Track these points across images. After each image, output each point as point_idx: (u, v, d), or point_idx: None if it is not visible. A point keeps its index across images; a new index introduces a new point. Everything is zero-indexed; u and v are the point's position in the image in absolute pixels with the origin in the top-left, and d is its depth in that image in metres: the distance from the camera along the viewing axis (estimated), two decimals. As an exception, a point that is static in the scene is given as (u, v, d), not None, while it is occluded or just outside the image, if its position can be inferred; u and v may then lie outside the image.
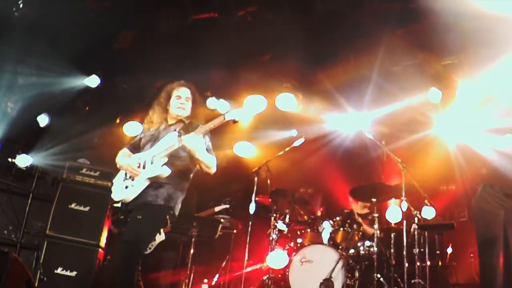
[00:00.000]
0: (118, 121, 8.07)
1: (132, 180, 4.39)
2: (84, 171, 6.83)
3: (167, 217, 4.33)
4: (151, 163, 4.35)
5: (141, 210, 4.23)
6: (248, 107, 4.32)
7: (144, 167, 4.38)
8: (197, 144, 4.24)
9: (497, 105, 6.84)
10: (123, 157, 4.66)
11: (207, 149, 4.42)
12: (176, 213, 4.44)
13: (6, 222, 6.71)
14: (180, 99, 4.71)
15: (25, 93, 6.81)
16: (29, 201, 6.83)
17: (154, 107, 4.83)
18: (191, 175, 4.60)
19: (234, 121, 4.30)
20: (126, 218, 4.35)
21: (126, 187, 4.39)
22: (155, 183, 4.33)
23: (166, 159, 4.33)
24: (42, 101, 6.90)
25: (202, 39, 6.70)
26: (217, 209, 7.03)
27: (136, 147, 4.76)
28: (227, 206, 7.14)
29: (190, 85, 4.82)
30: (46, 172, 7.09)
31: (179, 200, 4.46)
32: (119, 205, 4.44)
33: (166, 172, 4.27)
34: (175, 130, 4.53)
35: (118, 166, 4.66)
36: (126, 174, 4.49)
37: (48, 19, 6.14)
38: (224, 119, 4.29)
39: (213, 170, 4.43)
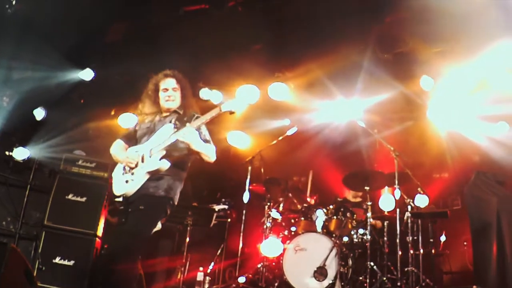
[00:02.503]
0: (112, 113, 8.14)
1: (132, 174, 4.42)
2: (80, 162, 6.91)
3: (167, 207, 4.39)
4: (150, 157, 4.38)
5: (142, 201, 4.28)
6: (243, 97, 4.32)
7: (142, 161, 4.40)
8: (193, 136, 4.27)
9: (489, 92, 6.84)
10: (119, 151, 4.68)
11: (204, 139, 4.46)
12: (176, 203, 4.49)
13: (5, 214, 6.81)
14: (167, 91, 4.69)
15: (20, 88, 6.89)
16: (27, 193, 6.94)
17: (144, 100, 4.83)
18: (189, 165, 4.65)
19: (231, 112, 4.34)
20: (126, 208, 4.38)
21: (127, 181, 4.42)
22: (154, 175, 4.37)
23: (164, 152, 4.36)
24: (38, 95, 6.97)
25: (193, 30, 6.74)
26: (216, 208, 7.11)
27: (130, 139, 4.76)
28: (226, 207, 7.23)
29: (174, 73, 4.77)
30: (43, 164, 7.18)
31: (178, 190, 4.51)
32: (120, 199, 4.46)
33: (165, 165, 4.32)
34: (170, 121, 4.55)
35: (114, 159, 4.67)
36: (124, 168, 4.52)
37: (41, 14, 6.20)
38: (220, 110, 4.32)
39: (212, 159, 4.48)
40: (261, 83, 7.56)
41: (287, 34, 6.85)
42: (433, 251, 6.84)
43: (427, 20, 6.12)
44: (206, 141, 4.50)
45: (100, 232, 6.61)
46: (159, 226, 6.28)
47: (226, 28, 6.72)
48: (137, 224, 4.21)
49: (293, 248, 6.37)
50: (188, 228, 6.52)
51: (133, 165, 4.41)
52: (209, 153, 4.45)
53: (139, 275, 4.23)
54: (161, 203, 4.36)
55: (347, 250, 6.43)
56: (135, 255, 4.16)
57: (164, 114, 4.71)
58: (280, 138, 7.32)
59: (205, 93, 7.50)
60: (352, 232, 6.63)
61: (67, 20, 6.32)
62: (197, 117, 4.49)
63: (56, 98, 7.22)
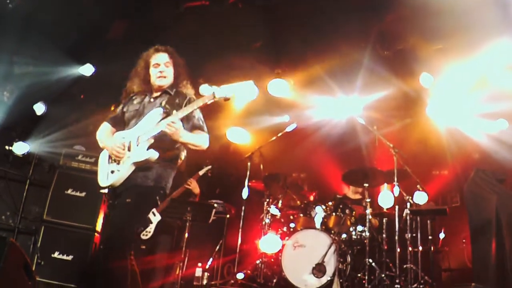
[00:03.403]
0: (112, 108, 8.11)
1: (118, 164, 4.06)
2: (80, 157, 6.96)
3: (157, 197, 4.10)
4: (137, 145, 4.03)
5: (130, 193, 3.98)
6: (239, 85, 4.02)
7: (129, 149, 4.05)
8: (176, 127, 3.92)
9: (489, 89, 6.84)
10: (106, 136, 4.33)
11: (195, 126, 4.18)
12: (168, 191, 4.21)
13: (4, 208, 6.87)
14: (159, 67, 4.30)
15: (21, 83, 6.92)
16: (26, 187, 7.00)
17: (133, 79, 4.44)
18: (182, 152, 4.36)
19: (226, 99, 3.98)
20: (113, 201, 4.11)
21: (112, 171, 4.06)
22: (142, 165, 4.03)
23: (152, 141, 4.03)
24: (38, 90, 7.00)
25: (194, 26, 6.74)
26: (201, 172, 7.04)
27: (118, 122, 4.40)
28: (209, 167, 7.12)
29: (167, 48, 4.40)
30: (43, 159, 7.24)
31: (170, 177, 4.20)
32: (106, 191, 4.12)
33: (153, 156, 3.99)
34: (161, 104, 4.18)
35: (101, 145, 4.30)
36: (110, 157, 4.15)
37: (42, 10, 6.22)
38: (215, 97, 3.94)
39: (204, 147, 4.19)
40: (261, 79, 7.57)
41: (287, 31, 6.85)
42: (432, 248, 6.81)
43: (427, 17, 6.14)
44: (197, 127, 4.20)
45: (99, 227, 6.65)
46: (158, 216, 6.35)
47: (226, 24, 6.74)
48: (123, 218, 3.96)
49: (291, 244, 6.36)
50: (187, 224, 6.51)
51: (120, 155, 4.05)
52: (199, 142, 4.15)
53: (132, 272, 3.96)
54: (150, 194, 4.06)
55: (346, 246, 6.41)
56: (124, 250, 3.88)
57: (155, 95, 4.34)
58: (280, 134, 7.31)
59: (205, 90, 7.50)
60: (351, 229, 6.62)
61: (68, 15, 6.34)
62: (189, 99, 4.20)
63: (57, 93, 7.25)
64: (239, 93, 4.00)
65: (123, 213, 3.99)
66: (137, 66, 4.43)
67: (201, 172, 6.99)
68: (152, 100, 4.32)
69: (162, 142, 4.07)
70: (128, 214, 3.97)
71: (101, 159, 4.26)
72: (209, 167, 7.05)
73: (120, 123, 4.38)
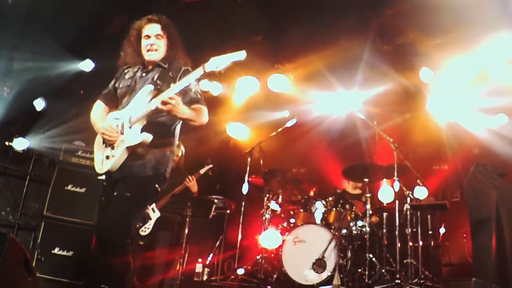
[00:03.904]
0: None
1: (112, 148, 3.79)
2: (80, 153, 6.95)
3: (158, 185, 3.88)
4: (129, 128, 3.76)
5: (129, 186, 3.76)
6: (229, 55, 3.58)
7: (122, 132, 3.77)
8: (174, 102, 3.58)
9: (489, 84, 6.84)
10: (100, 117, 4.05)
11: (193, 100, 3.88)
12: (167, 175, 3.95)
13: (4, 204, 6.87)
14: (150, 38, 3.98)
15: (20, 78, 6.91)
16: (26, 183, 6.99)
17: (126, 49, 4.13)
18: (178, 128, 4.04)
19: (218, 72, 3.64)
20: (111, 188, 3.84)
21: (107, 157, 3.82)
22: (136, 150, 3.77)
23: (144, 122, 3.76)
24: (38, 85, 6.99)
25: (193, 20, 6.72)
26: (202, 171, 7.04)
27: (111, 99, 4.12)
28: (210, 166, 7.11)
29: (160, 18, 4.06)
30: (43, 154, 7.23)
31: (169, 161, 3.95)
32: (103, 177, 3.92)
33: (147, 138, 3.71)
34: (152, 79, 3.92)
35: (94, 128, 4.05)
36: (104, 141, 3.89)
37: (42, 5, 6.21)
38: (204, 70, 3.61)
39: (203, 121, 3.87)
40: (261, 74, 7.58)
41: (287, 25, 6.84)
42: (432, 243, 6.77)
43: (427, 12, 6.14)
44: (195, 101, 3.91)
45: (99, 223, 6.63)
46: (157, 213, 6.34)
47: (226, 19, 6.72)
48: (123, 213, 3.73)
49: (292, 240, 6.37)
50: (187, 220, 6.51)
51: (113, 139, 3.77)
52: (198, 118, 3.84)
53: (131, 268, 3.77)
54: (149, 184, 3.84)
55: (346, 242, 6.42)
56: (125, 245, 3.69)
57: (148, 69, 4.04)
58: (280, 129, 7.30)
59: (204, 84, 7.51)
60: (351, 224, 6.62)
61: (67, 10, 6.33)
62: (183, 72, 3.89)
63: (56, 88, 7.25)
64: (229, 59, 3.65)
65: (122, 206, 3.75)
66: (129, 35, 4.12)
67: (202, 171, 6.99)
68: (144, 74, 4.04)
69: (156, 125, 3.83)
70: (127, 208, 3.76)
71: (96, 143, 4.02)
72: (210, 166, 7.04)
73: (113, 101, 4.11)
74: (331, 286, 5.86)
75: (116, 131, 3.79)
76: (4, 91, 6.94)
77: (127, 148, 3.75)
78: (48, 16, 6.32)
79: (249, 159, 7.17)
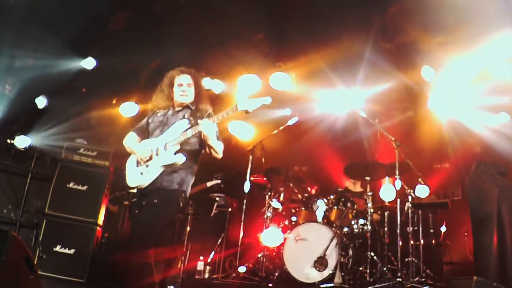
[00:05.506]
0: (114, 101, 8.16)
1: (147, 166, 4.60)
2: (81, 151, 6.95)
3: (180, 200, 4.54)
4: (165, 150, 4.56)
5: (157, 195, 4.44)
6: (260, 99, 4.46)
7: (157, 154, 4.58)
8: (211, 130, 4.48)
9: (490, 82, 6.83)
10: (134, 143, 4.82)
11: (216, 135, 4.64)
12: (187, 195, 4.66)
13: (6, 202, 6.82)
14: (182, 86, 4.83)
15: (22, 76, 6.92)
16: (28, 181, 6.94)
17: (157, 94, 4.96)
18: (199, 158, 4.79)
19: (247, 112, 4.43)
20: (140, 201, 4.53)
21: (142, 173, 4.60)
22: (169, 168, 4.53)
23: (178, 147, 4.53)
24: (40, 83, 7.00)
25: (195, 19, 6.72)
26: (209, 184, 7.09)
27: (143, 132, 4.91)
28: (219, 181, 7.19)
29: (190, 70, 4.93)
30: (45, 152, 7.20)
31: (190, 182, 4.67)
32: (134, 190, 4.66)
33: (181, 160, 4.49)
34: (184, 116, 4.72)
35: (128, 150, 4.82)
36: (138, 161, 4.70)
37: (43, 2, 6.21)
38: (237, 109, 4.42)
39: (220, 155, 4.69)
40: (263, 72, 7.58)
41: (289, 23, 6.84)
42: (433, 241, 6.84)
43: (429, 10, 6.14)
44: (217, 138, 4.67)
45: (100, 220, 6.64)
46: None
47: (227, 17, 6.72)
48: (152, 217, 4.37)
49: (293, 238, 6.38)
50: (189, 218, 6.51)
51: (146, 159, 4.59)
52: (220, 150, 4.67)
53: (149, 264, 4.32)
54: (174, 196, 4.51)
55: (348, 240, 6.43)
56: (149, 246, 4.29)
57: (177, 109, 4.85)
58: (281, 128, 7.30)
59: (206, 83, 7.50)
60: (353, 222, 6.64)
61: (69, 8, 6.32)
62: (209, 114, 4.69)
63: (58, 86, 7.26)
64: (261, 101, 4.47)
65: (151, 212, 4.41)
66: (162, 84, 4.95)
67: (209, 184, 7.04)
68: (175, 113, 4.85)
69: (186, 147, 4.60)
70: (156, 213, 4.41)
71: (129, 163, 4.81)
72: (219, 181, 7.11)
73: (145, 133, 4.90)
74: (332, 284, 5.88)
75: (149, 154, 4.62)
76: (6, 89, 6.94)
77: (163, 166, 4.54)
78: (50, 13, 6.32)
79: (250, 157, 7.16)
